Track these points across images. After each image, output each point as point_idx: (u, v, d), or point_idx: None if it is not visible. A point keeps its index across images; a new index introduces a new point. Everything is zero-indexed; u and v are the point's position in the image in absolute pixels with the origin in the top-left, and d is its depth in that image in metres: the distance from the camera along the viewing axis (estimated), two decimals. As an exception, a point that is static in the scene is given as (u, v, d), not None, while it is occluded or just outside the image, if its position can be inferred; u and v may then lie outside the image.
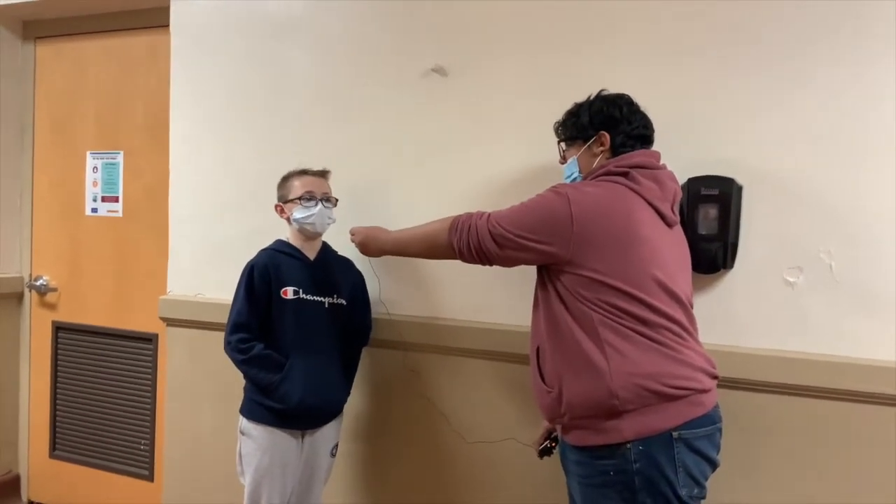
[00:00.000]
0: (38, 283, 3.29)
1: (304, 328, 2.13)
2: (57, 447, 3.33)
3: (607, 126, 1.77)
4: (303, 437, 2.15)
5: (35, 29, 3.29)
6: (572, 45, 2.14)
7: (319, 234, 2.21)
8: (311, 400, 2.08)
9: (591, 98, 1.83)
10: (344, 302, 2.22)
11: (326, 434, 2.20)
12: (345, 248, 2.28)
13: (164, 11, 2.74)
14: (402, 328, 2.34)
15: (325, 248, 2.27)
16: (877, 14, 1.85)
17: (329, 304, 2.19)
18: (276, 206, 2.21)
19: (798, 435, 1.93)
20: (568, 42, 2.14)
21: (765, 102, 1.95)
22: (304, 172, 2.19)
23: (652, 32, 2.05)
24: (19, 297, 3.37)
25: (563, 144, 1.89)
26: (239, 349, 2.08)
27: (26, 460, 3.41)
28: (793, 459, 1.93)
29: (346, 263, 2.31)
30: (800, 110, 1.92)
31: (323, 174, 2.22)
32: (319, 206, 2.14)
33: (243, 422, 2.15)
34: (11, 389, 3.38)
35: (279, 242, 2.22)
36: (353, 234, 2.14)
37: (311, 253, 2.21)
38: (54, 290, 3.29)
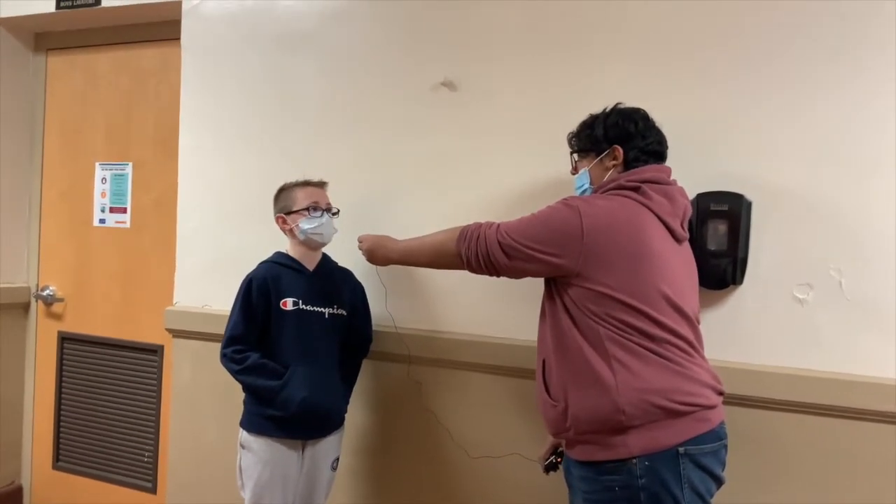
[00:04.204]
0: (44, 294, 3.30)
1: (304, 339, 2.12)
2: (61, 458, 3.32)
3: (621, 140, 1.75)
4: (303, 449, 2.14)
5: (47, 41, 3.33)
6: (581, 61, 2.14)
7: (324, 245, 2.21)
8: (312, 403, 2.07)
9: (607, 111, 1.81)
10: (344, 312, 2.22)
11: (327, 447, 2.19)
12: (345, 258, 2.28)
13: (175, 25, 2.77)
14: (408, 341, 2.33)
15: (325, 258, 2.27)
16: (888, 32, 1.84)
17: (329, 314, 2.18)
18: (278, 218, 2.20)
19: (806, 453, 1.90)
20: (577, 57, 2.14)
21: (775, 119, 1.94)
22: (306, 183, 2.20)
23: (662, 49, 2.05)
24: (26, 307, 3.37)
25: (575, 155, 1.88)
26: (234, 360, 2.08)
27: (29, 471, 3.40)
28: (801, 477, 1.91)
29: (346, 274, 2.30)
30: (810, 127, 1.91)
31: (323, 185, 2.22)
32: (326, 216, 2.15)
33: (243, 434, 2.15)
34: (16, 399, 3.37)
35: (278, 254, 2.22)
36: (360, 242, 2.12)
37: (310, 264, 2.21)
38: (61, 300, 3.29)
